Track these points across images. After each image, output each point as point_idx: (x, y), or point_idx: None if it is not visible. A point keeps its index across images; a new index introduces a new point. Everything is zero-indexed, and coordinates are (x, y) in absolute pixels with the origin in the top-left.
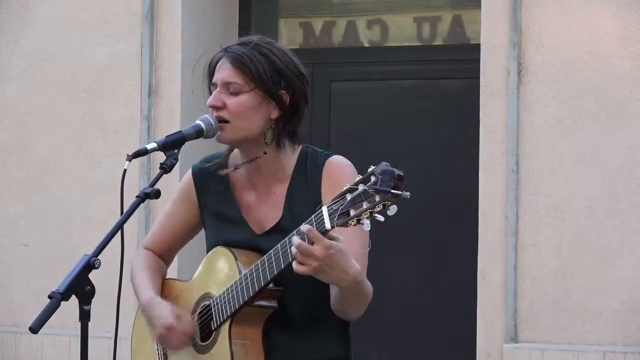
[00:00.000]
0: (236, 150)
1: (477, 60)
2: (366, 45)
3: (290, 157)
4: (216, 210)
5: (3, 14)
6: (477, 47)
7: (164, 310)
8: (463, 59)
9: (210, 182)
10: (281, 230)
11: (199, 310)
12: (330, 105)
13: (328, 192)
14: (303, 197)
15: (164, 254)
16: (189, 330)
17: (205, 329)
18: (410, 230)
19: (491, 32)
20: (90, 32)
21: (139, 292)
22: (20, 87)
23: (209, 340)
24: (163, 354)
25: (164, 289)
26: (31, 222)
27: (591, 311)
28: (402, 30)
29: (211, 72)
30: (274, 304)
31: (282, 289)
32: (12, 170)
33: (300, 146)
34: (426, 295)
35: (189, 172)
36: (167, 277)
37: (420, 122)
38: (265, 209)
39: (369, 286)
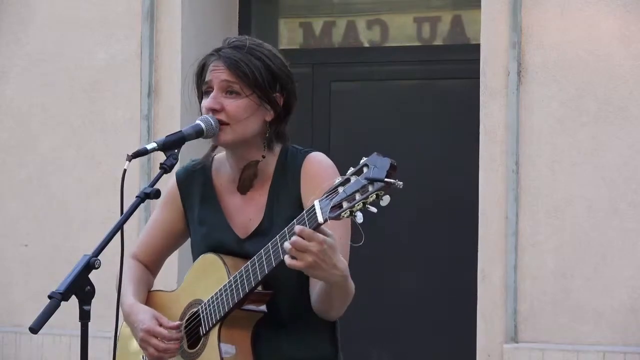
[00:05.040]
0: (222, 156)
1: (477, 60)
2: (366, 45)
3: (274, 157)
4: (200, 216)
5: (3, 14)
6: (477, 47)
7: (144, 315)
8: (463, 59)
9: (194, 187)
10: (263, 233)
11: (187, 318)
12: (330, 105)
13: (306, 190)
14: (284, 197)
15: (150, 263)
16: (169, 336)
17: (193, 336)
18: (410, 231)
19: (491, 32)
20: (90, 32)
21: (122, 303)
22: (20, 87)
23: (197, 347)
24: None
25: (150, 301)
26: (31, 222)
27: (591, 311)
28: (402, 30)
29: (203, 74)
30: (263, 308)
31: (272, 292)
32: (12, 170)
33: (281, 145)
34: (426, 295)
35: (173, 177)
36: (152, 290)
37: (420, 122)
38: (249, 211)
39: (352, 283)
